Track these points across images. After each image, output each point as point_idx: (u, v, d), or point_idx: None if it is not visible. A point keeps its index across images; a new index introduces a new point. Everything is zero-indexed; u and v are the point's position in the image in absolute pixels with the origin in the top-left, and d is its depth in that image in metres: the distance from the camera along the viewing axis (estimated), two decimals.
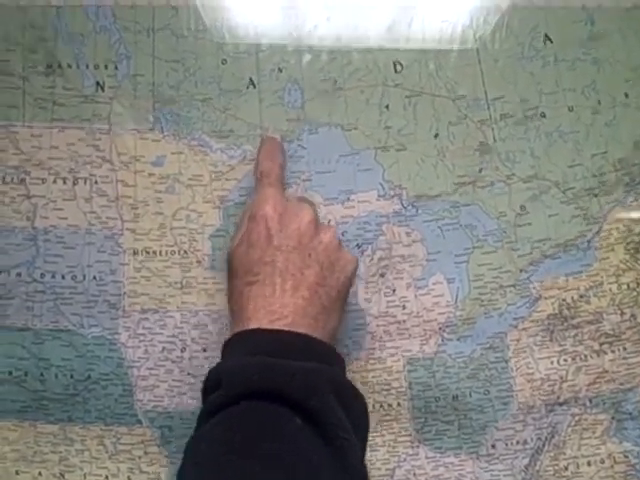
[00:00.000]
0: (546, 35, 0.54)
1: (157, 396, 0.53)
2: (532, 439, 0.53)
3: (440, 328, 0.53)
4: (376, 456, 0.53)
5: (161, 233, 0.53)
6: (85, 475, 0.53)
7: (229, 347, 0.44)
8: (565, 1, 0.54)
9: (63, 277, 0.53)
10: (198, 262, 0.53)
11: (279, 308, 0.44)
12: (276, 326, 0.43)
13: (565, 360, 0.53)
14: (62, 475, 0.53)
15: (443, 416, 0.53)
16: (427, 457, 0.53)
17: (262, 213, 0.46)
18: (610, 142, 0.53)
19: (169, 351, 0.53)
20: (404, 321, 0.53)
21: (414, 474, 0.53)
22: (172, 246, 0.53)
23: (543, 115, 0.54)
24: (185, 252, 0.53)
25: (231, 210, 0.53)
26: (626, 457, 0.53)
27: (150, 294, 0.53)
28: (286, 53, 0.54)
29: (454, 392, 0.53)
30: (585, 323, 0.53)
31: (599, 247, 0.53)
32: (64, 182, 0.53)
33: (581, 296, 0.53)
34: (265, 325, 0.43)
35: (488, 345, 0.53)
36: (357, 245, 0.53)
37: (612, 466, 0.53)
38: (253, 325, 0.43)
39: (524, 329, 0.53)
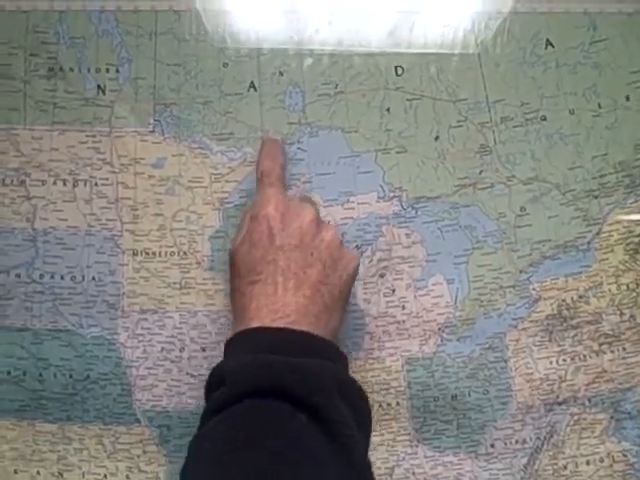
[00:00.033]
0: (548, 40, 0.54)
1: (156, 396, 0.53)
2: (531, 438, 0.54)
3: (439, 328, 0.53)
4: (375, 455, 0.53)
5: (161, 234, 0.53)
6: (84, 474, 0.53)
7: (231, 346, 0.44)
8: (567, 6, 0.54)
9: (62, 278, 0.53)
10: (197, 263, 0.53)
11: (281, 307, 0.44)
12: (278, 324, 0.43)
13: (564, 360, 0.53)
14: (61, 474, 0.53)
15: (442, 415, 0.53)
16: (426, 456, 0.53)
17: (264, 213, 0.46)
18: (611, 144, 0.54)
19: (168, 351, 0.53)
20: (403, 321, 0.53)
21: (413, 473, 0.53)
22: (172, 247, 0.53)
23: (544, 118, 0.54)
24: (185, 253, 0.53)
25: (231, 212, 0.53)
26: (625, 456, 0.54)
27: (149, 294, 0.53)
28: (287, 57, 0.54)
29: (453, 392, 0.53)
30: (584, 323, 0.53)
31: (599, 248, 0.54)
32: (64, 184, 0.53)
33: (580, 297, 0.53)
34: (267, 324, 0.43)
35: (487, 345, 0.53)
36: (357, 246, 0.53)
37: (611, 465, 0.54)
38: (255, 324, 0.43)
39: (523, 329, 0.53)
